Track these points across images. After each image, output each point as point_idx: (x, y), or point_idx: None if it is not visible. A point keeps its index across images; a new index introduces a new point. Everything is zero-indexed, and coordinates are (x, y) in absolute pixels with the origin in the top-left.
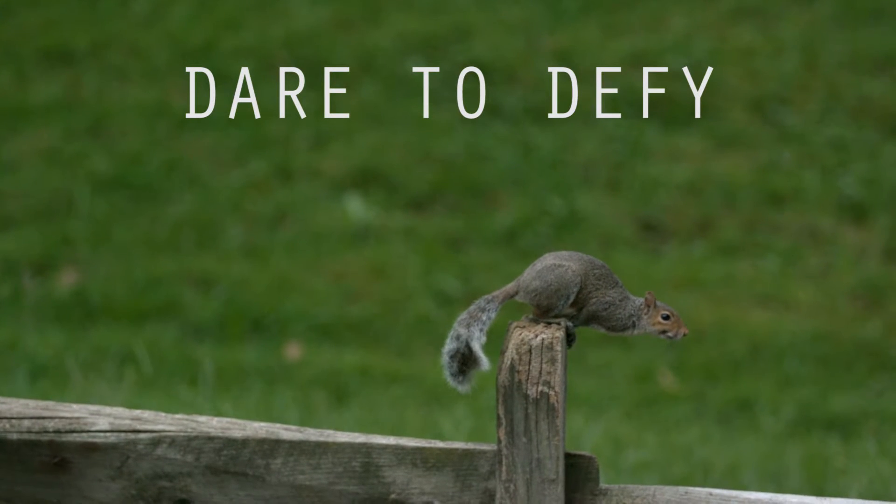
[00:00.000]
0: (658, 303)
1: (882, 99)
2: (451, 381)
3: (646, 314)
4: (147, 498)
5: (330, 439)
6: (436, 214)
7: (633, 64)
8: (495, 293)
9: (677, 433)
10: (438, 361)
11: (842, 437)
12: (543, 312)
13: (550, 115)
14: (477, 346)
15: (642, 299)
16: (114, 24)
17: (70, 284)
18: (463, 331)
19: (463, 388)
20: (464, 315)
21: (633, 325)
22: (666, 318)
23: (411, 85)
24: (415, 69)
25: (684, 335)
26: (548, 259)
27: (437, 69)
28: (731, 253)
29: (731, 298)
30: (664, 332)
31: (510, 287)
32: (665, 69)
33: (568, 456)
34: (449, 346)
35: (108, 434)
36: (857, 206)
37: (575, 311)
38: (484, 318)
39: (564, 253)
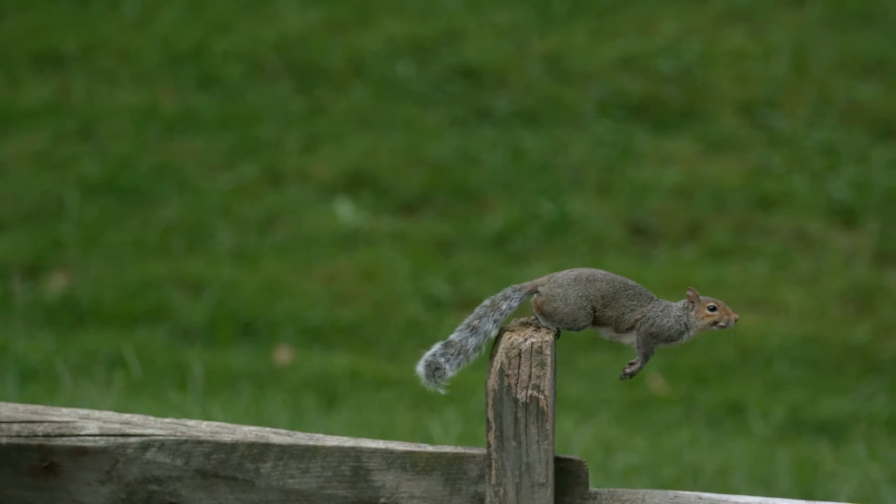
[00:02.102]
0: (701, 297)
1: (872, 102)
2: (425, 380)
3: (692, 311)
4: (136, 502)
5: (319, 443)
6: (426, 218)
7: (623, 67)
8: (524, 283)
9: (667, 437)
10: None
11: (831, 440)
12: (541, 315)
13: (540, 119)
14: (450, 371)
15: (681, 302)
16: (103, 28)
17: (60, 288)
18: (462, 346)
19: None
20: (487, 302)
21: (686, 327)
22: (713, 309)
23: (401, 88)
24: (405, 72)
25: (735, 321)
26: (583, 280)
27: (427, 73)
28: (720, 256)
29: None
30: (715, 322)
31: (540, 280)
32: (655, 73)
33: (557, 460)
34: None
35: (97, 438)
36: (847, 210)
37: (626, 337)
38: (504, 307)
39: (600, 273)
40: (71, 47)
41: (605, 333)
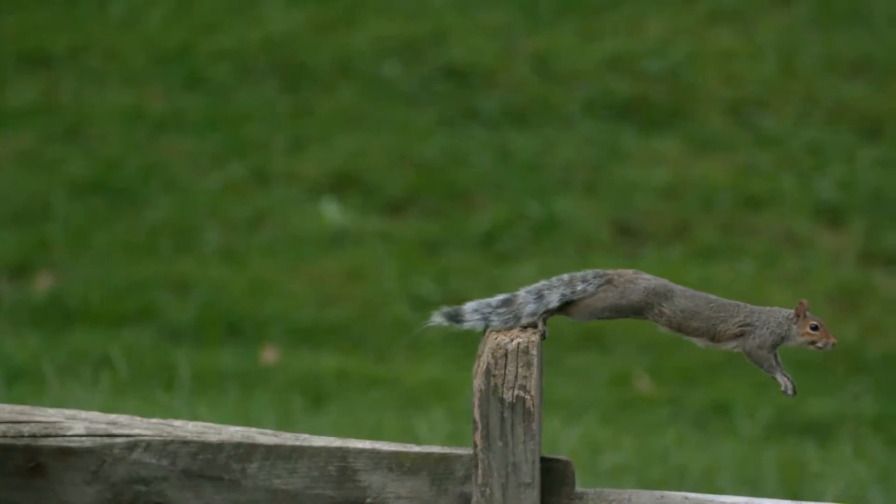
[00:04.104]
0: (807, 313)
1: (859, 102)
2: (443, 316)
3: (795, 324)
4: (123, 502)
5: (306, 443)
6: (413, 218)
7: (610, 67)
8: (608, 270)
9: (654, 437)
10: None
11: (818, 440)
12: (572, 305)
13: (527, 119)
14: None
15: (779, 309)
16: (91, 28)
17: (47, 288)
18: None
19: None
20: (565, 276)
21: (786, 336)
22: (815, 328)
23: (389, 88)
24: (392, 72)
25: (833, 345)
26: (659, 292)
27: (414, 73)
28: (708, 256)
29: None
30: (813, 342)
31: (622, 271)
32: (642, 73)
33: (544, 460)
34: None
35: (83, 438)
36: (834, 210)
37: (726, 345)
38: (578, 288)
39: (678, 288)
40: (59, 48)
41: (701, 343)
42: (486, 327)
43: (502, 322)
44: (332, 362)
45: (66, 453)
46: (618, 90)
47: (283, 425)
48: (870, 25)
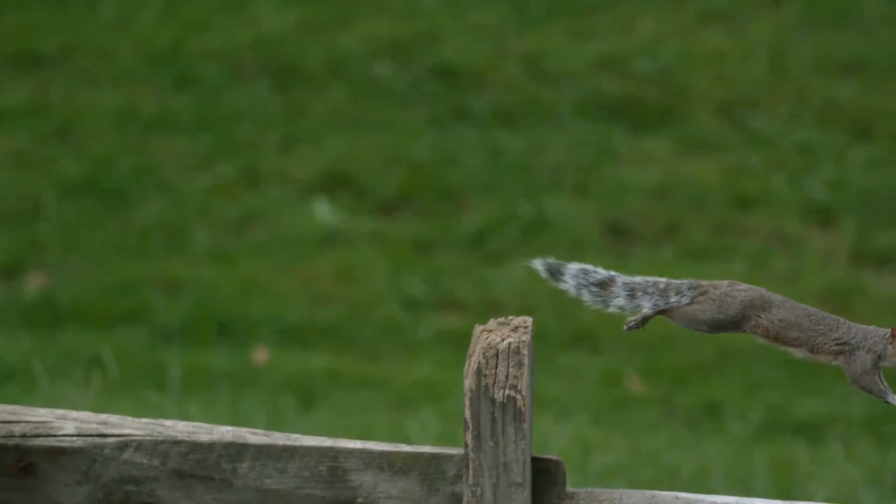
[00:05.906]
0: None
1: (849, 102)
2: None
3: (890, 345)
4: (114, 502)
5: (297, 443)
6: (404, 218)
7: (602, 68)
8: (703, 282)
9: (645, 437)
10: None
11: (809, 441)
12: (671, 311)
13: (518, 119)
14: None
15: (875, 329)
16: (82, 29)
17: (38, 288)
18: (625, 301)
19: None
20: (662, 283)
21: (881, 356)
22: None
23: (380, 88)
24: (383, 73)
25: None
26: (756, 305)
27: (405, 73)
28: (699, 256)
29: None
30: None
31: (718, 283)
32: (633, 73)
33: (535, 460)
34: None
35: (74, 438)
36: (824, 210)
37: (823, 357)
38: (672, 300)
39: (777, 298)
40: (50, 48)
41: (799, 353)
42: (577, 297)
43: (592, 301)
44: (322, 362)
45: (56, 453)
46: (609, 90)
47: (274, 425)
48: (861, 25)
